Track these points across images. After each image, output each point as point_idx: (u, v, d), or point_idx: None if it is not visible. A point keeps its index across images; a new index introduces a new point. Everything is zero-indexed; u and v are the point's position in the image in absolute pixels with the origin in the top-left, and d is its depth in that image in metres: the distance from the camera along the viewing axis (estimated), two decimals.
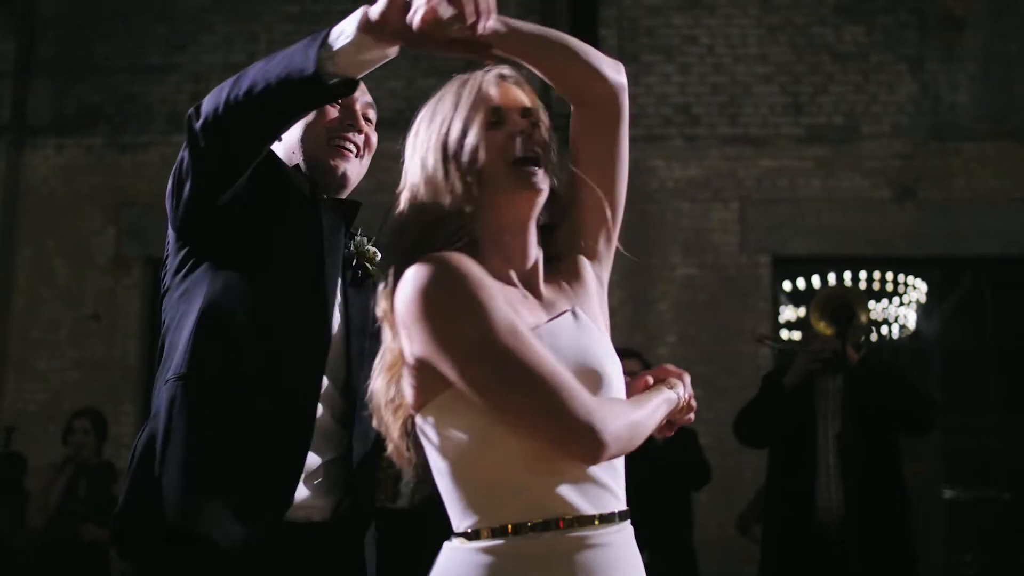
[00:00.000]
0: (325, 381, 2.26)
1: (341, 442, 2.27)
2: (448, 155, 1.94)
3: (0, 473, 7.01)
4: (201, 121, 2.22)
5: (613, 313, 7.84)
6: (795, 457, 4.98)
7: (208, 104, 2.22)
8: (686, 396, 2.08)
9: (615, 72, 2.11)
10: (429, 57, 8.89)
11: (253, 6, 9.20)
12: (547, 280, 2.04)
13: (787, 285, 9.06)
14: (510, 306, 1.87)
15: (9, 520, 6.79)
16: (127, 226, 8.86)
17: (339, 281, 2.36)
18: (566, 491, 1.84)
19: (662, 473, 5.59)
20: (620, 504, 1.94)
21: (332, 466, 2.27)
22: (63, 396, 8.60)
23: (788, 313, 9.12)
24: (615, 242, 2.23)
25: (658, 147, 8.71)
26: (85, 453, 6.74)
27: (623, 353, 5.79)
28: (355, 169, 2.48)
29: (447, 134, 1.97)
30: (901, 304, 9.22)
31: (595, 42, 7.79)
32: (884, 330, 9.80)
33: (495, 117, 2.02)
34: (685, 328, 8.44)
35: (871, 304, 9.49)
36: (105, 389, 8.50)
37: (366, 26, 2.00)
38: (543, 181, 1.96)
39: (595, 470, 1.88)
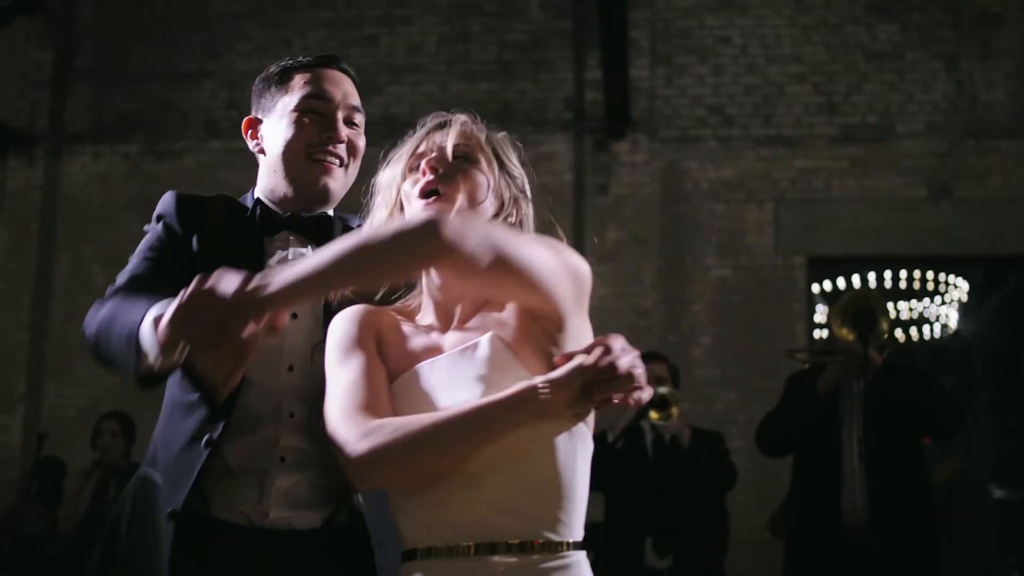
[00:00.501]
0: (295, 407, 2.24)
1: (323, 460, 2.19)
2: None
3: (39, 478, 7.05)
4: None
5: (647, 314, 7.89)
6: (819, 461, 4.96)
7: (85, 330, 2.29)
8: (601, 363, 1.88)
9: (424, 247, 1.87)
10: (463, 61, 8.94)
11: (287, 12, 9.25)
12: (483, 313, 2.06)
13: (824, 286, 9.03)
14: (394, 345, 2.02)
15: (44, 524, 6.83)
16: None
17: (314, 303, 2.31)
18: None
19: (687, 476, 5.58)
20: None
21: (317, 481, 2.25)
22: (101, 401, 8.65)
23: (823, 314, 9.08)
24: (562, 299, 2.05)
25: (692, 148, 8.70)
26: (113, 456, 6.76)
27: (648, 356, 5.81)
28: (339, 181, 2.44)
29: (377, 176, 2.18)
30: (943, 303, 9.17)
31: (625, 44, 7.80)
32: (925, 330, 9.74)
33: (415, 163, 2.12)
34: (719, 330, 8.41)
35: (908, 304, 9.46)
36: (143, 394, 8.55)
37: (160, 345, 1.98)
38: (444, 210, 1.96)
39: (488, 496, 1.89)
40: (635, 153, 8.60)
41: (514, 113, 8.80)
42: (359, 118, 2.48)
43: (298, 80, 2.45)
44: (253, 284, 1.86)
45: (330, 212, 2.47)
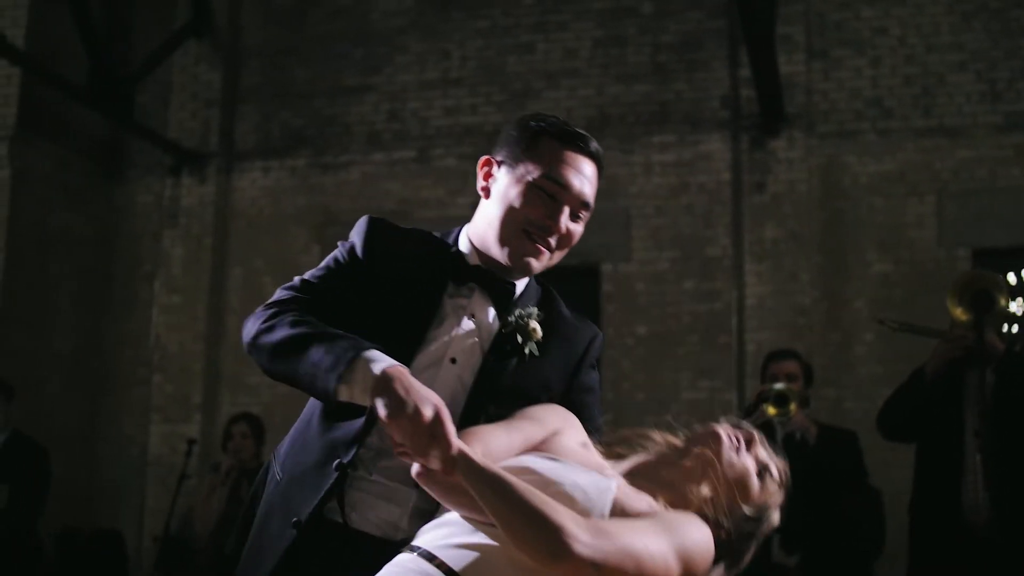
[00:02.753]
0: None
1: None
2: None
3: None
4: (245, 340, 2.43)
5: (806, 312, 7.81)
6: (941, 453, 4.78)
7: (245, 331, 2.43)
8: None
9: (550, 550, 2.02)
10: (618, 64, 9.00)
11: (444, 24, 9.45)
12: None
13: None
14: None
15: (183, 524, 7.02)
16: (331, 243, 9.17)
17: (480, 349, 2.45)
18: None
19: (812, 474, 5.50)
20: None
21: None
22: (274, 409, 9.00)
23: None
24: None
25: (850, 142, 8.59)
26: (244, 456, 6.92)
27: (781, 355, 5.72)
28: (542, 263, 2.51)
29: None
30: None
31: (773, 40, 7.72)
32: None
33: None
34: (883, 327, 8.27)
35: None
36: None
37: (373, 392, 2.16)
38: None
39: None
40: (792, 149, 8.53)
41: (670, 113, 8.83)
42: (585, 214, 2.51)
43: (547, 151, 2.46)
44: (458, 448, 2.08)
45: (522, 281, 2.56)
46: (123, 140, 9.92)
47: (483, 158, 2.56)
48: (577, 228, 2.50)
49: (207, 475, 7.03)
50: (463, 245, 2.54)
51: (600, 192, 2.59)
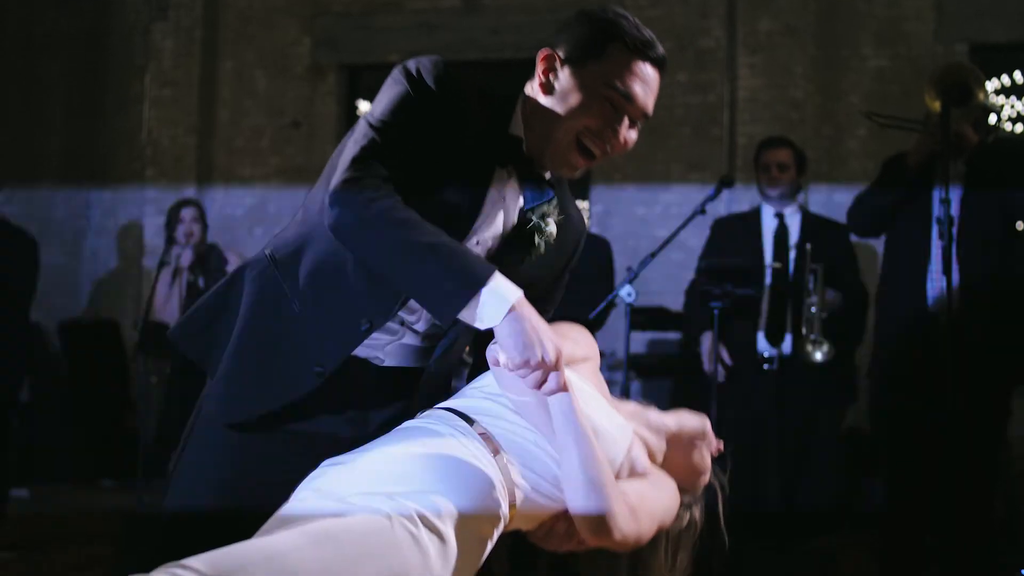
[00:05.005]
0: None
1: (424, 358, 2.42)
2: None
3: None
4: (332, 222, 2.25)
5: (799, 106, 7.75)
6: (909, 245, 4.80)
7: (335, 213, 2.23)
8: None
9: (592, 528, 2.23)
10: None
11: None
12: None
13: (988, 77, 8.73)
14: None
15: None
16: (321, 35, 9.14)
17: (496, 241, 2.41)
18: None
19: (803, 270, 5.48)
20: None
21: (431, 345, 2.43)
22: (267, 200, 9.05)
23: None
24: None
25: None
26: (195, 241, 7.07)
27: (773, 142, 5.67)
28: (590, 165, 2.45)
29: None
30: None
31: None
32: None
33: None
34: (874, 122, 8.23)
35: None
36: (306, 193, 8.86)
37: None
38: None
39: None
40: None
41: None
42: (642, 122, 2.42)
43: (616, 59, 2.35)
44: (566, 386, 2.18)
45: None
46: None
47: (544, 51, 2.40)
48: (631, 137, 2.41)
49: (158, 271, 7.10)
50: (517, 127, 2.42)
51: None
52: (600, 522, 2.17)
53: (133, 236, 9.53)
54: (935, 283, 4.67)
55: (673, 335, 7.26)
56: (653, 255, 5.00)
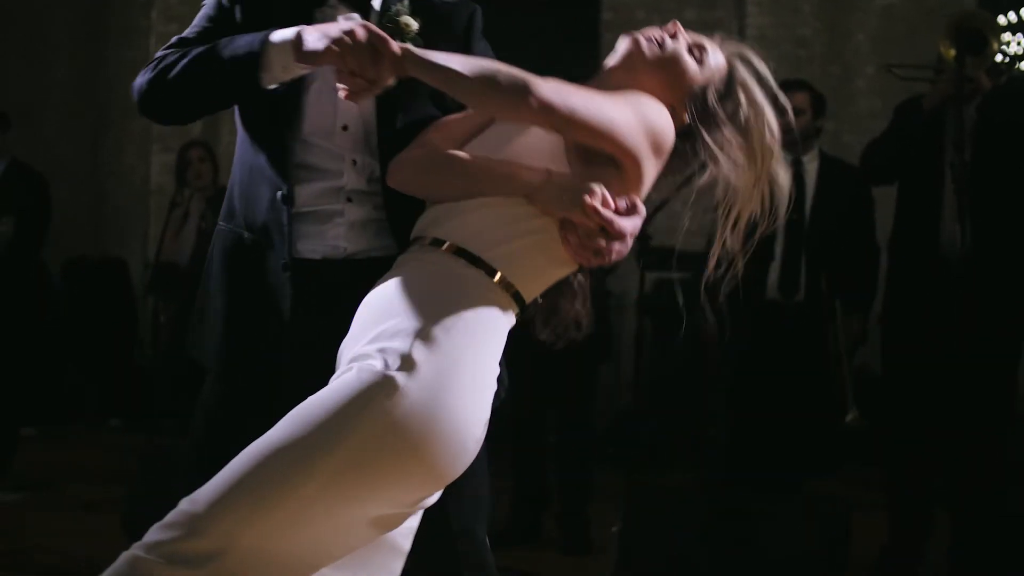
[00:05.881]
0: (356, 156, 2.36)
1: (388, 200, 2.37)
2: None
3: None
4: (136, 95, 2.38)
5: (807, 44, 7.66)
6: (922, 191, 4.78)
7: (136, 87, 2.39)
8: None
9: (514, 102, 2.08)
10: None
11: None
12: None
13: (998, 16, 8.66)
14: None
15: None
16: None
17: None
18: None
19: (819, 216, 5.45)
20: None
21: (381, 216, 2.38)
22: None
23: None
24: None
25: None
26: (204, 183, 7.09)
27: (791, 84, 5.53)
28: None
29: None
30: None
31: None
32: None
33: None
34: (884, 59, 8.20)
35: None
36: None
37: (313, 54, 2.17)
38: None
39: None
40: None
41: None
42: None
43: None
44: (399, 46, 2.11)
45: None
46: None
47: None
48: None
49: (169, 212, 7.12)
50: None
51: None
52: (517, 86, 2.05)
53: (139, 174, 9.52)
54: (948, 228, 4.67)
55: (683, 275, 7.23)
56: (666, 201, 4.98)
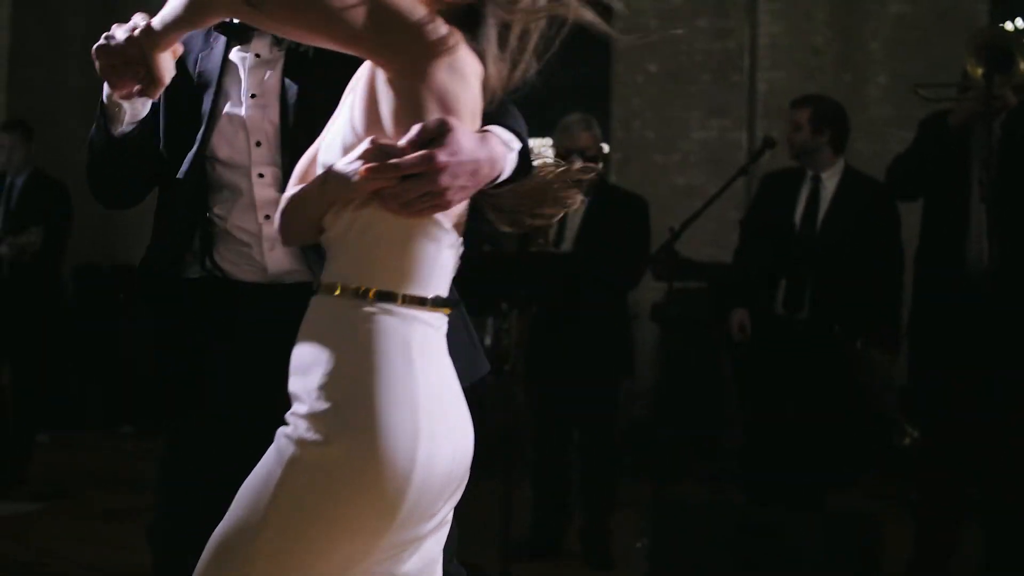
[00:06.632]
0: (263, 170, 2.29)
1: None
2: None
3: None
4: None
5: (820, 52, 7.64)
6: (948, 206, 4.76)
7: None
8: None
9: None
10: None
11: None
12: None
13: (1009, 24, 8.67)
14: None
15: None
16: None
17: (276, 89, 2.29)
18: None
19: (837, 226, 5.36)
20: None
21: None
22: None
23: None
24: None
25: None
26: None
27: (797, 102, 5.45)
28: None
29: None
30: None
31: None
32: None
33: None
34: (897, 68, 8.21)
35: None
36: None
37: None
38: None
39: None
40: None
41: None
42: None
43: None
44: (140, 26, 2.02)
45: None
46: None
47: None
48: None
49: None
50: None
51: None
52: None
53: None
54: (975, 244, 4.67)
55: (694, 284, 7.25)
56: (695, 216, 5.00)
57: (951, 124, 4.75)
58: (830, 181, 5.28)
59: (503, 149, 1.91)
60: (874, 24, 8.26)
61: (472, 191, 1.87)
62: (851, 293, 5.16)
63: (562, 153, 5.20)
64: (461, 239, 1.95)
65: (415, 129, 1.77)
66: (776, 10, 8.29)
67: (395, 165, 1.77)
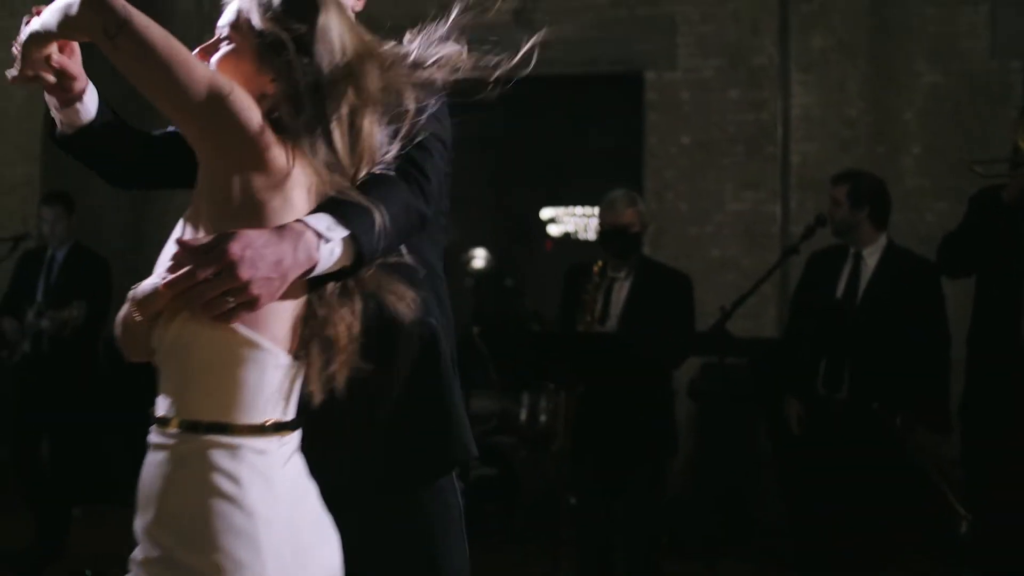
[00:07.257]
0: None
1: None
2: None
3: None
4: None
5: (853, 124, 7.61)
6: (1001, 286, 4.73)
7: None
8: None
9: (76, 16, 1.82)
10: None
11: None
12: None
13: None
14: None
15: None
16: None
17: None
18: None
19: (879, 304, 5.29)
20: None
21: None
22: None
23: None
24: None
25: None
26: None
27: (838, 179, 5.41)
28: None
29: None
30: None
31: None
32: None
33: None
34: (931, 139, 8.17)
35: None
36: None
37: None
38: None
39: None
40: None
41: None
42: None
43: None
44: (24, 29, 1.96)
45: None
46: None
47: None
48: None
49: None
50: None
51: None
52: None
53: None
54: None
55: (732, 360, 7.17)
56: (747, 295, 4.97)
57: (1005, 199, 4.69)
58: (871, 257, 5.20)
59: (314, 239, 1.82)
60: (907, 95, 8.23)
61: (281, 286, 1.79)
62: (890, 369, 5.03)
63: (607, 229, 5.21)
64: (304, 352, 1.87)
65: (190, 245, 1.79)
66: (809, 81, 8.28)
67: (190, 263, 1.75)
